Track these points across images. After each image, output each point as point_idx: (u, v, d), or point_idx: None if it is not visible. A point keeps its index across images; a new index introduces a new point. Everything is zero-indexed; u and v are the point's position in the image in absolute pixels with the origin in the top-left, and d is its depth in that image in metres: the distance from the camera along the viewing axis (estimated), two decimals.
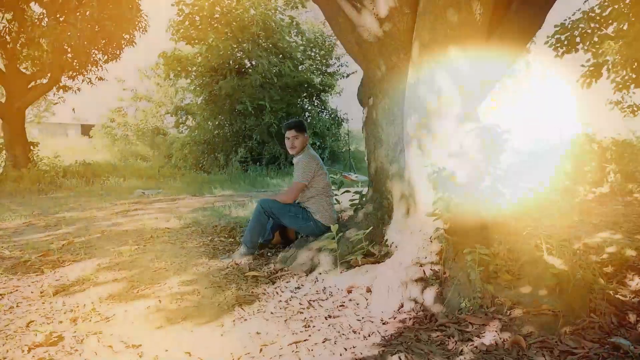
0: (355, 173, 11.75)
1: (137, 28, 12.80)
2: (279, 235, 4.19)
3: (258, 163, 14.58)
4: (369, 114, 3.57)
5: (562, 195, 3.05)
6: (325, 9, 3.36)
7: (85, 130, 35.33)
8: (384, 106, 3.36)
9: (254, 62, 14.98)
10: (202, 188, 10.13)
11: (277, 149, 14.74)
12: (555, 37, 9.32)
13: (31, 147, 12.70)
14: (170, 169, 14.98)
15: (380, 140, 3.44)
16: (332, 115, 17.16)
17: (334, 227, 3.13)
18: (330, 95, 17.38)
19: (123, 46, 13.06)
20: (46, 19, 11.81)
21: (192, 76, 15.65)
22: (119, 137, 21.15)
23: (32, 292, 3.02)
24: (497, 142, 2.60)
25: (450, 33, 2.56)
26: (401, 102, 3.10)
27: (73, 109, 14.19)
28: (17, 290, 3.08)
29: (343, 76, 17.50)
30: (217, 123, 15.56)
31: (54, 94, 13.75)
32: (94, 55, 12.83)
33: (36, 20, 12.13)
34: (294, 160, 3.95)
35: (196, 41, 14.06)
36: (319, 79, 16.27)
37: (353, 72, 17.80)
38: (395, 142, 3.31)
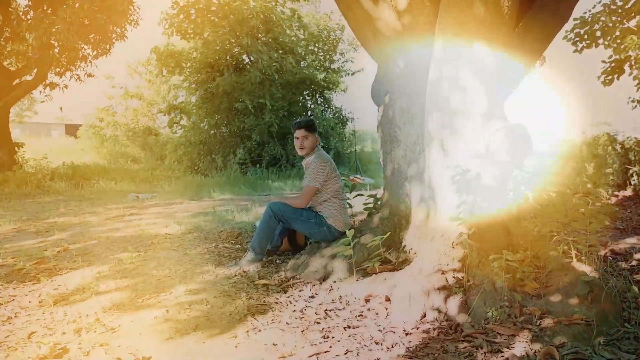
0: (362, 175, 11.78)
1: (129, 21, 12.84)
2: (287, 241, 4.21)
3: (258, 165, 14.59)
4: (385, 113, 3.60)
5: (591, 198, 3.06)
6: (340, 0, 3.39)
7: (70, 130, 35.41)
8: (402, 104, 3.39)
9: (252, 58, 15.01)
10: (199, 192, 10.17)
11: (277, 150, 14.76)
12: (575, 31, 9.33)
13: (16, 148, 12.73)
14: (163, 171, 15.00)
15: (398, 141, 3.46)
16: (337, 114, 17.16)
17: (350, 233, 3.15)
18: (335, 93, 17.40)
19: (113, 40, 13.09)
20: (32, 12, 11.87)
21: (187, 72, 15.68)
22: (108, 137, 21.15)
23: (30, 302, 3.05)
24: (525, 142, 2.63)
25: (476, 27, 2.58)
26: (420, 99, 3.13)
27: (60, 108, 14.18)
28: (13, 299, 3.10)
29: (348, 73, 17.52)
30: (213, 122, 15.58)
31: (40, 92, 13.78)
32: (83, 51, 12.85)
33: (21, 13, 12.18)
34: (304, 162, 3.97)
35: (191, 35, 14.09)
36: (323, 75, 16.28)
37: (359, 70, 17.80)
38: (413, 142, 3.34)
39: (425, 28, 3.04)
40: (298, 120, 3.95)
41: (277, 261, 3.97)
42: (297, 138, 3.89)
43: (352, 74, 17.63)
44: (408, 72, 3.23)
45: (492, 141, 2.64)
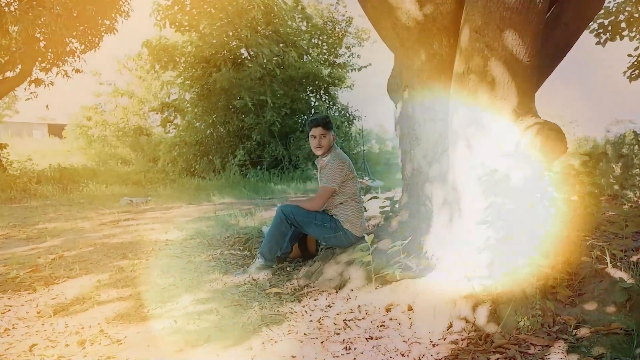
0: (370, 177, 11.79)
1: (120, 13, 12.86)
2: (297, 247, 4.22)
3: (258, 167, 14.62)
4: (404, 109, 3.61)
5: (625, 200, 3.09)
6: None
7: (53, 130, 35.51)
8: (422, 100, 3.40)
9: (252, 52, 15.04)
10: (197, 195, 10.21)
11: (279, 151, 14.79)
12: (598, 22, 9.33)
13: None
14: (157, 173, 15.04)
15: (417, 139, 3.48)
16: (343, 112, 17.18)
17: (369, 237, 3.16)
18: (340, 89, 17.41)
19: (102, 34, 13.10)
20: (16, 3, 11.88)
21: (181, 68, 15.69)
22: (96, 137, 21.16)
23: (27, 312, 3.07)
24: (558, 140, 2.65)
25: (507, 16, 2.60)
26: (443, 94, 3.15)
27: (47, 106, 14.12)
28: (9, 310, 3.12)
29: (354, 69, 17.52)
30: (210, 121, 15.63)
31: (25, 89, 13.78)
32: (70, 44, 12.86)
33: (4, 4, 12.19)
34: (318, 162, 3.97)
35: (186, 28, 14.11)
36: (327, 70, 16.28)
37: (366, 66, 17.77)
38: (435, 140, 3.35)
39: (449, 17, 3.06)
40: (315, 117, 3.94)
41: (288, 268, 3.99)
42: (314, 137, 3.88)
43: (359, 69, 17.63)
44: (429, 65, 3.25)
45: (522, 139, 2.66)
